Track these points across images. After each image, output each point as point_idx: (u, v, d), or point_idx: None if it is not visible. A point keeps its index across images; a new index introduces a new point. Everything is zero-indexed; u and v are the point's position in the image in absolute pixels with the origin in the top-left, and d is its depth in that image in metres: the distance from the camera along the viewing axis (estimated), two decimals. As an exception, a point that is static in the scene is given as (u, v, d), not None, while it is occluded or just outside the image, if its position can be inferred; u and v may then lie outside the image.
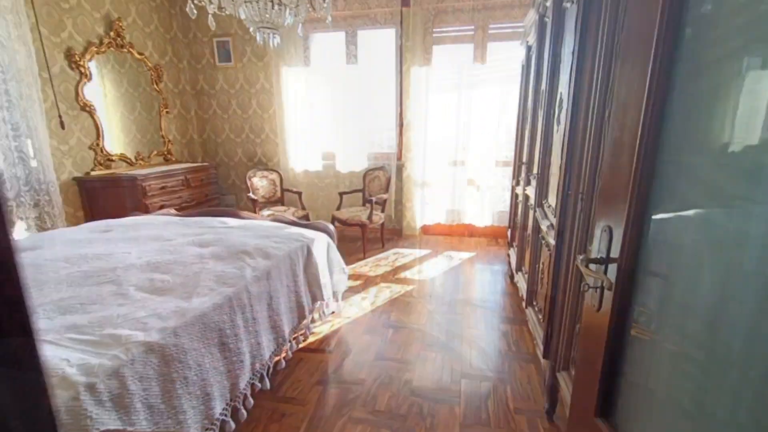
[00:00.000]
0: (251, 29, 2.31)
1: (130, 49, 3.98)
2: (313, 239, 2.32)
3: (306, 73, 4.32)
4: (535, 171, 2.06)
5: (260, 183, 4.36)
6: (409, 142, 4.20)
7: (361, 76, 4.14)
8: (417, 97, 4.01)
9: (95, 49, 3.63)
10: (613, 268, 0.77)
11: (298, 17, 2.26)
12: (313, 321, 2.38)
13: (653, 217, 0.69)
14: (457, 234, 4.48)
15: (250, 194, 4.11)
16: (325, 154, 4.61)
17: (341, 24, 4.08)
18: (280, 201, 4.48)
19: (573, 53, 1.36)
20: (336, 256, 2.56)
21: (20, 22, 2.95)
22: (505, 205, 4.24)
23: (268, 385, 1.75)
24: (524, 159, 2.46)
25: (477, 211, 4.24)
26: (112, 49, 3.79)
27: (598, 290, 0.81)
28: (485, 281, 3.19)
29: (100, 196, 3.64)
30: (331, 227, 2.59)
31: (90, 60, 3.60)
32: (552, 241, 1.52)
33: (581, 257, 0.82)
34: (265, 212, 4.02)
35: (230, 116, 4.82)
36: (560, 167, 1.46)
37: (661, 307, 0.68)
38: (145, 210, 3.61)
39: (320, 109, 4.51)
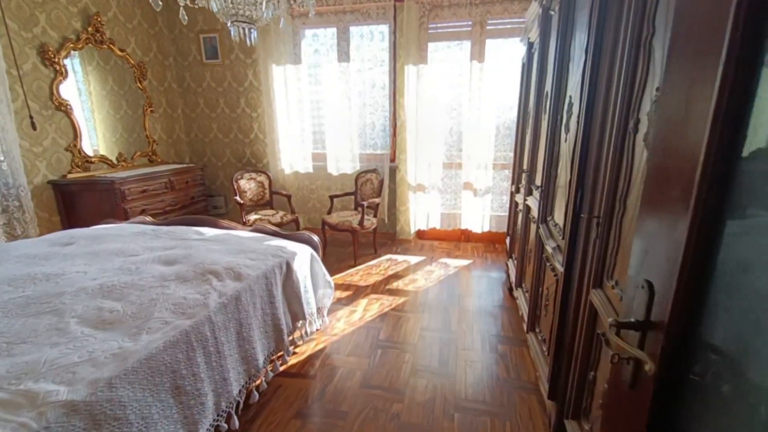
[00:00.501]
0: (228, 24, 2.10)
1: (111, 46, 3.76)
2: (295, 253, 2.12)
3: (296, 71, 4.11)
4: (538, 182, 1.86)
5: (248, 185, 4.15)
6: (403, 143, 4.00)
7: (353, 74, 3.93)
8: (411, 97, 3.80)
9: (72, 45, 3.41)
10: (654, 337, 0.58)
11: (278, 10, 2.05)
12: (293, 344, 2.18)
13: (720, 272, 0.50)
14: (453, 239, 4.29)
15: (237, 198, 3.90)
16: (316, 155, 4.41)
17: (332, 19, 3.86)
18: (269, 204, 4.28)
19: (586, 51, 1.16)
20: (320, 269, 2.36)
21: (-17, 15, 2.73)
22: (503, 209, 4.05)
23: (236, 423, 1.56)
24: (525, 166, 2.26)
25: (474, 216, 4.04)
26: (90, 45, 3.57)
27: (631, 363, 0.62)
28: (482, 293, 3.00)
29: (77, 201, 3.43)
30: (315, 239, 2.39)
31: (66, 57, 3.38)
32: (559, 267, 1.32)
33: (610, 320, 0.62)
34: (253, 216, 3.83)
35: (218, 115, 4.61)
36: (570, 183, 1.26)
37: (735, 397, 0.48)
38: (124, 215, 3.41)
39: (311, 109, 4.31)
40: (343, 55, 3.90)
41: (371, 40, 3.86)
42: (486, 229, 4.04)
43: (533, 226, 1.96)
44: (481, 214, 3.99)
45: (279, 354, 2.03)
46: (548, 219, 1.58)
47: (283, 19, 2.31)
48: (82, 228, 2.52)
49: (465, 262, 3.69)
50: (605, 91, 1.07)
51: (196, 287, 1.56)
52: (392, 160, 4.16)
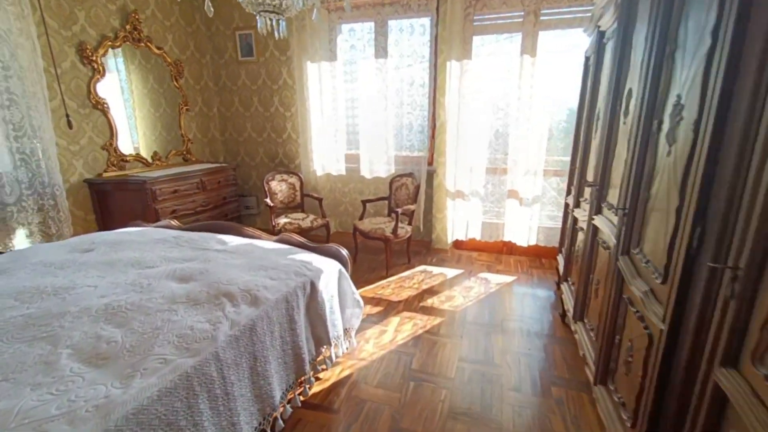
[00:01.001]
0: (255, 15, 1.91)
1: (148, 44, 3.73)
2: (321, 271, 1.90)
3: (331, 68, 3.92)
4: (612, 199, 1.52)
5: (279, 187, 4.02)
6: (442, 145, 3.70)
7: (390, 71, 3.68)
8: (453, 95, 3.49)
9: (110, 43, 3.39)
10: None
11: (310, 0, 1.84)
12: (315, 369, 1.97)
13: None
14: (494, 251, 3.94)
15: (267, 200, 3.77)
16: (349, 157, 4.20)
17: (370, 13, 3.63)
18: (300, 207, 4.12)
19: (714, 34, 0.84)
20: (349, 287, 2.13)
21: (23, 14, 2.72)
22: (554, 221, 3.66)
23: (247, 473, 1.36)
24: (591, 178, 1.91)
25: (519, 227, 3.67)
26: (128, 43, 3.55)
27: None
28: (529, 317, 2.66)
29: (111, 200, 3.43)
30: (344, 253, 2.16)
31: (104, 55, 3.37)
32: (656, 321, 1.00)
33: None
34: (283, 220, 3.68)
35: (252, 114, 4.52)
36: (679, 212, 0.94)
37: None
38: (155, 215, 3.37)
39: (345, 108, 4.10)
40: (381, 50, 3.65)
41: (411, 34, 3.58)
42: (532, 242, 3.66)
43: (603, 252, 1.62)
44: (528, 225, 3.62)
45: (300, 382, 1.82)
46: (633, 251, 1.25)
47: (316, 11, 2.09)
48: (107, 231, 2.45)
49: (508, 278, 3.34)
50: (752, 89, 0.75)
51: (207, 313, 1.37)
52: (430, 163, 3.88)
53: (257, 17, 1.81)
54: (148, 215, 3.31)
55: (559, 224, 3.55)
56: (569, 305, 2.21)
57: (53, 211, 3.01)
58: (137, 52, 3.66)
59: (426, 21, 3.53)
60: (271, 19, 1.81)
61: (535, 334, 2.45)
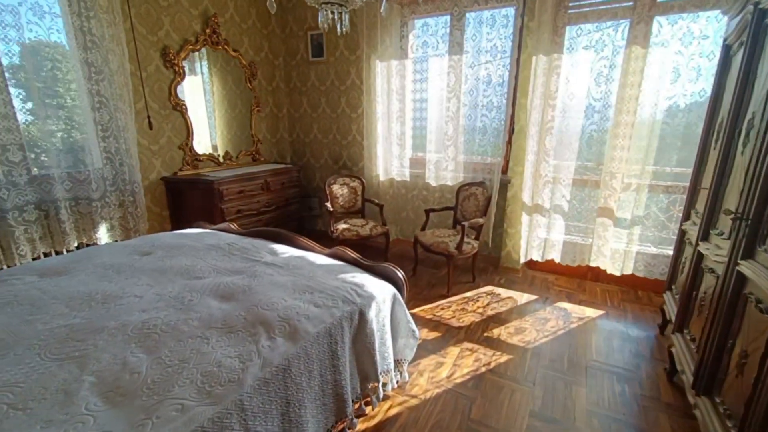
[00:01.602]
0: (318, 8, 1.74)
1: (225, 47, 3.83)
2: (372, 297, 1.67)
3: (401, 66, 3.68)
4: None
5: (340, 191, 3.90)
6: (519, 152, 3.26)
7: (465, 69, 3.33)
8: (537, 95, 3.04)
9: (190, 47, 3.53)
10: None
11: (378, -13, 1.61)
12: (358, 408, 1.74)
13: None
14: (575, 276, 3.40)
15: (327, 204, 3.66)
16: (414, 162, 3.95)
17: (446, 5, 3.32)
18: (360, 212, 3.97)
19: None
20: (404, 315, 1.87)
21: (115, 21, 2.89)
22: (659, 247, 3.02)
23: None
24: (734, 207, 1.42)
25: (611, 252, 3.09)
26: (207, 46, 3.68)
27: None
28: (622, 368, 2.16)
29: (184, 197, 3.58)
30: (401, 275, 1.91)
31: (185, 58, 3.51)
32: None
33: None
34: (341, 225, 3.55)
35: (319, 115, 4.48)
36: None
37: None
38: (221, 215, 3.43)
39: (413, 110, 3.85)
40: (456, 46, 3.32)
41: (492, 27, 3.20)
42: (627, 271, 3.06)
43: (760, 317, 1.15)
44: (623, 250, 3.03)
45: (340, 427, 1.60)
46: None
47: (385, 2, 1.87)
48: (168, 233, 2.49)
49: (593, 312, 2.82)
50: None
51: (239, 345, 1.21)
52: (504, 171, 3.46)
53: (319, 10, 1.64)
54: (215, 214, 3.39)
55: (665, 251, 2.93)
56: (685, 366, 1.71)
57: (132, 207, 3.18)
58: (218, 55, 3.79)
59: (510, 11, 3.13)
60: (333, 12, 1.62)
61: (630, 391, 1.97)
